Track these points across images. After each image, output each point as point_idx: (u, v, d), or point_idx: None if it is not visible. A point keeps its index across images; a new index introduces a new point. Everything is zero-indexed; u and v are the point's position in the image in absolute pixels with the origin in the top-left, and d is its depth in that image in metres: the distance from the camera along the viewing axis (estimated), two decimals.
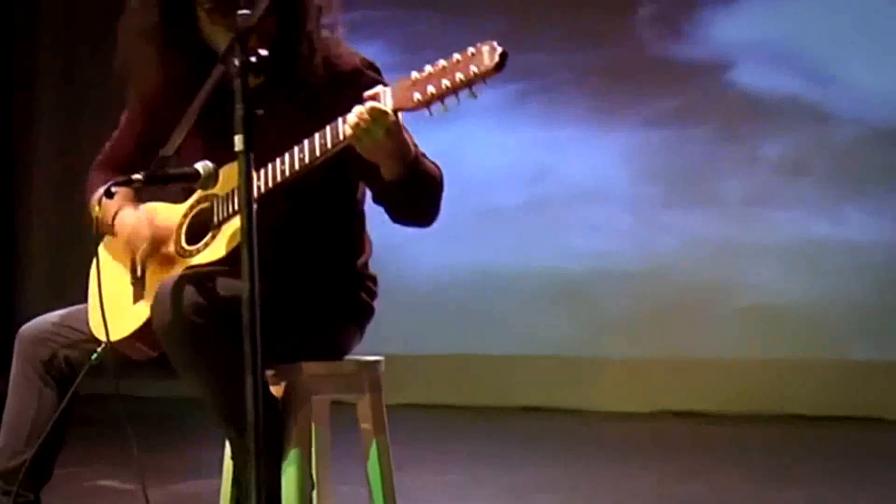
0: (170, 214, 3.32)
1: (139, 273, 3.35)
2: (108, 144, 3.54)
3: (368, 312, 3.40)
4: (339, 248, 3.37)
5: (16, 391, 3.45)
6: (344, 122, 3.01)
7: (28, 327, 3.48)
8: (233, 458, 3.28)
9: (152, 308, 3.12)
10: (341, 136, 3.03)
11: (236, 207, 3.16)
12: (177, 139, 3.02)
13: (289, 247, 3.30)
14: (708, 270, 7.25)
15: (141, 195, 3.45)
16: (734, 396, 6.87)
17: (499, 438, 6.58)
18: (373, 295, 3.42)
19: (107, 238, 3.49)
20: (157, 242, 3.28)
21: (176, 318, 3.06)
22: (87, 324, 3.41)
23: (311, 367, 3.31)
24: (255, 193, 3.12)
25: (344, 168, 3.22)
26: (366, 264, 3.43)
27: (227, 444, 3.33)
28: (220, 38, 3.24)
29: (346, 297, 3.38)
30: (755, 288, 7.13)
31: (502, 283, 7.84)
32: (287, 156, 3.10)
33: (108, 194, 3.09)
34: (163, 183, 3.19)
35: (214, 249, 3.21)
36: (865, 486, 5.14)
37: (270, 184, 3.14)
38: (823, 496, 4.97)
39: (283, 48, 3.21)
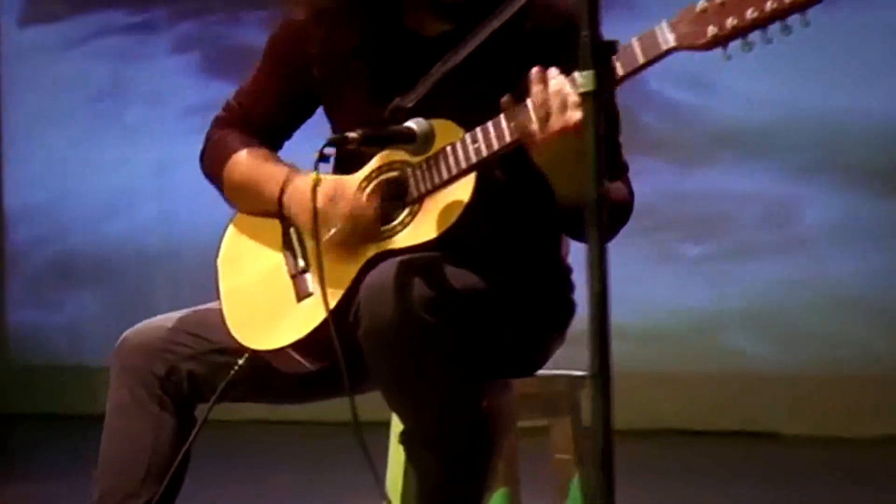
0: (336, 186, 2.60)
1: (301, 263, 2.62)
2: (234, 100, 2.81)
3: (573, 314, 2.73)
4: (549, 234, 2.70)
5: (122, 416, 2.68)
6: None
7: (135, 334, 2.72)
8: (423, 490, 2.56)
9: (365, 302, 2.40)
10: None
11: (445, 176, 2.49)
12: (419, 92, 2.35)
13: (500, 231, 2.62)
14: None
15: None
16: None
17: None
18: (573, 292, 2.76)
19: (239, 217, 2.76)
20: (353, 221, 2.55)
21: (400, 317, 2.36)
22: (217, 329, 2.67)
23: (522, 385, 2.63)
24: (469, 162, 2.48)
25: None
26: (567, 254, 2.76)
27: (413, 471, 2.59)
28: None
29: (556, 294, 2.71)
30: None
31: None
32: (500, 121, 2.46)
33: (317, 161, 2.39)
34: (380, 144, 2.48)
35: (419, 230, 2.51)
36: None
37: (485, 152, 2.47)
38: None
39: None
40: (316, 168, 2.43)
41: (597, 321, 1.94)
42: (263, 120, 2.76)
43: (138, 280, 6.99)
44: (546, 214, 2.58)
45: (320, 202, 2.50)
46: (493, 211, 2.57)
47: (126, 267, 7.06)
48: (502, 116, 2.46)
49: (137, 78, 7.10)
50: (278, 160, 2.72)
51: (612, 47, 1.98)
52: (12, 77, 7.30)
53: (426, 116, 2.47)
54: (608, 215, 2.50)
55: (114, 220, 7.11)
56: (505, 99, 2.42)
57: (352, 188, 2.56)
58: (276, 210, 2.64)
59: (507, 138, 2.45)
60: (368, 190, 2.59)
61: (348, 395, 2.43)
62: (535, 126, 2.38)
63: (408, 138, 2.46)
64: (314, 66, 2.69)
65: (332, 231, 2.54)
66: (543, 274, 2.69)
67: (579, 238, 2.60)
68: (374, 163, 2.60)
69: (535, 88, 2.39)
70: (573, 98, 2.37)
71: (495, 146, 2.46)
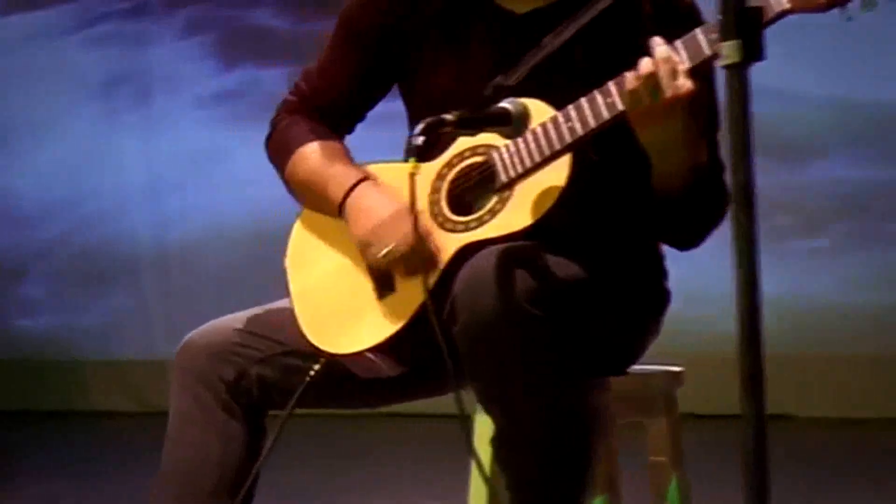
0: (397, 175, 2.40)
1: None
2: (302, 82, 2.61)
3: (668, 304, 2.55)
4: (642, 220, 2.51)
5: (187, 424, 2.49)
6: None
7: (200, 336, 2.52)
8: (517, 498, 2.36)
9: (463, 294, 2.21)
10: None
11: (537, 159, 2.30)
12: (521, 71, 2.16)
13: (594, 216, 2.43)
14: None
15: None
16: None
17: None
18: (667, 280, 2.57)
19: (306, 213, 2.56)
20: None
21: (503, 309, 2.17)
22: (289, 330, 2.48)
23: (619, 384, 2.44)
24: (564, 143, 2.29)
25: None
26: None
27: (506, 477, 2.39)
28: None
29: (652, 283, 2.53)
30: None
31: None
32: (595, 97, 2.27)
33: (416, 147, 2.19)
34: (476, 127, 2.29)
35: (512, 218, 2.32)
36: None
37: (580, 131, 2.29)
38: None
39: None
40: (416, 154, 2.22)
41: (746, 316, 1.76)
42: (336, 102, 2.56)
43: (165, 277, 6.76)
44: (641, 199, 2.39)
45: (373, 220, 2.37)
46: (588, 195, 2.38)
47: (149, 264, 6.82)
48: (597, 92, 2.27)
49: (144, 65, 6.86)
50: (348, 160, 2.53)
51: (758, 15, 1.78)
52: (3, 68, 7.03)
53: (519, 96, 2.28)
54: (714, 208, 2.37)
55: (134, 214, 6.88)
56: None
57: (397, 184, 2.37)
58: (337, 214, 2.46)
59: (605, 114, 2.26)
60: (451, 177, 2.40)
61: (453, 391, 2.24)
62: (643, 95, 2.19)
63: (504, 119, 2.27)
64: (394, 42, 2.50)
65: (391, 248, 2.36)
66: (639, 261, 2.51)
67: (673, 235, 2.45)
68: (455, 147, 2.40)
69: (643, 59, 2.20)
70: (682, 66, 2.19)
71: (591, 124, 2.28)
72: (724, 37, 1.78)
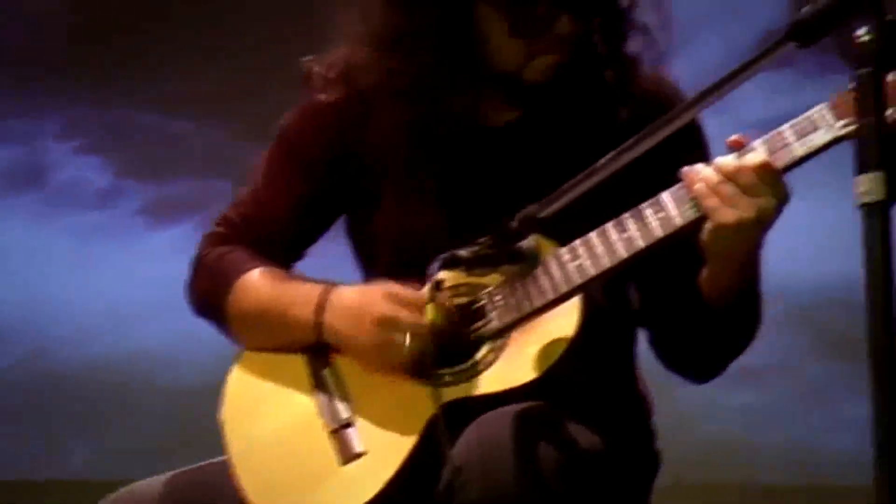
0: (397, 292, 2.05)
1: (344, 412, 2.05)
2: (232, 213, 2.22)
3: (659, 468, 2.23)
4: (636, 376, 2.20)
5: None
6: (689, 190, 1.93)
7: (118, 500, 2.09)
8: None
9: (476, 466, 1.85)
10: (684, 217, 1.94)
11: (538, 303, 1.99)
12: (556, 205, 1.83)
13: (598, 370, 2.10)
14: None
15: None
16: None
17: None
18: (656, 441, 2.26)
19: (247, 356, 2.17)
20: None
21: (526, 487, 1.84)
22: (227, 496, 2.06)
23: None
24: (571, 285, 1.98)
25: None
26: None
27: None
28: (511, 57, 2.06)
29: (646, 447, 2.21)
30: None
31: None
32: (609, 232, 1.96)
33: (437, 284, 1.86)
34: (489, 266, 1.94)
35: (512, 370, 1.98)
36: None
37: (593, 271, 1.97)
38: None
39: (580, 68, 2.07)
40: (433, 298, 1.87)
41: None
42: (275, 234, 2.19)
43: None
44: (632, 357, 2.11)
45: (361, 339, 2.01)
46: (593, 345, 2.05)
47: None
48: (610, 225, 1.96)
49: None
50: (305, 277, 2.15)
51: None
52: None
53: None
54: (746, 333, 2.06)
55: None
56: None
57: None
58: (310, 339, 2.07)
59: (639, 244, 1.95)
60: (430, 318, 2.05)
61: None
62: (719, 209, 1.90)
63: (518, 257, 1.93)
64: (345, 166, 2.15)
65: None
66: (634, 422, 2.19)
67: (703, 356, 2.13)
68: (429, 287, 2.03)
69: (704, 174, 1.91)
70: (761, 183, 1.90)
71: (606, 263, 1.96)
72: (862, 166, 1.48)
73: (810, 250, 4.57)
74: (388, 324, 2.01)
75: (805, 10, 1.54)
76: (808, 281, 4.70)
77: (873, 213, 1.47)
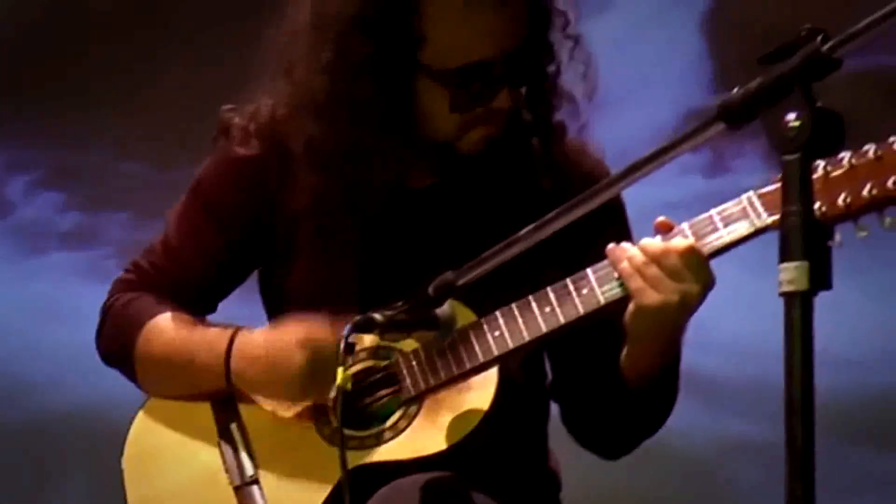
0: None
1: (249, 469, 2.00)
2: (143, 261, 2.18)
3: None
4: (548, 451, 2.17)
5: None
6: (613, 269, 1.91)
7: None
8: None
9: None
10: (607, 297, 1.90)
11: (454, 371, 1.98)
12: (475, 273, 1.78)
13: (508, 442, 2.06)
14: None
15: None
16: None
17: None
18: None
19: (153, 403, 2.12)
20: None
21: None
22: None
23: None
24: (489, 356, 1.94)
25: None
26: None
27: None
28: (447, 129, 2.03)
29: None
30: None
31: None
32: (530, 304, 1.93)
33: (348, 348, 1.79)
34: (403, 330, 1.89)
35: (422, 439, 1.96)
36: None
37: (511, 344, 1.94)
38: None
39: (510, 139, 2.09)
40: (344, 362, 1.81)
41: None
42: (189, 284, 2.16)
43: None
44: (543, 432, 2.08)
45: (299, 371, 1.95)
46: (507, 419, 2.01)
47: None
48: (532, 298, 1.93)
49: None
50: (212, 323, 2.11)
51: (826, 232, 1.46)
52: None
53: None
54: (662, 413, 2.03)
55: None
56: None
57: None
58: (218, 384, 2.02)
59: (543, 327, 1.92)
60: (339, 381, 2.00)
61: None
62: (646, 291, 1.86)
63: (433, 324, 1.89)
64: (268, 213, 2.11)
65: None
66: (541, 499, 2.16)
67: (617, 434, 2.12)
68: (346, 346, 1.99)
69: (631, 254, 1.87)
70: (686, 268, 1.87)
71: (526, 337, 1.93)
72: (784, 255, 1.44)
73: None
74: (313, 374, 1.98)
75: (735, 91, 1.50)
76: None
77: (794, 304, 1.43)
